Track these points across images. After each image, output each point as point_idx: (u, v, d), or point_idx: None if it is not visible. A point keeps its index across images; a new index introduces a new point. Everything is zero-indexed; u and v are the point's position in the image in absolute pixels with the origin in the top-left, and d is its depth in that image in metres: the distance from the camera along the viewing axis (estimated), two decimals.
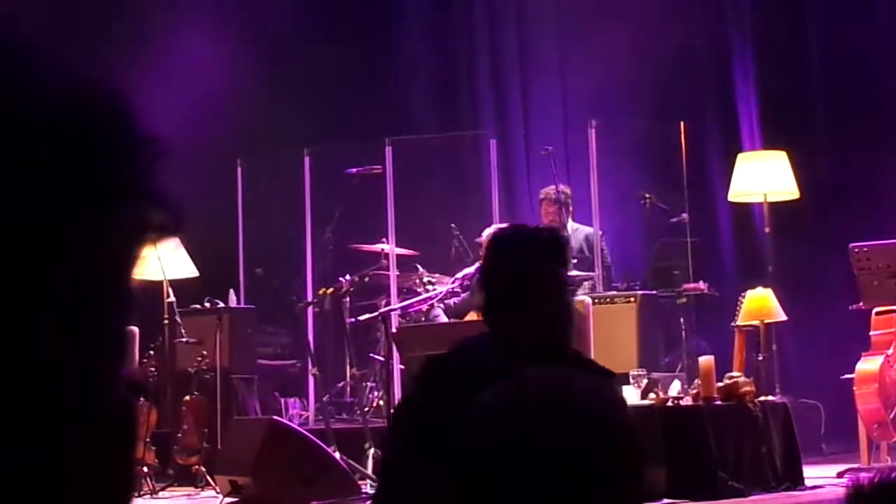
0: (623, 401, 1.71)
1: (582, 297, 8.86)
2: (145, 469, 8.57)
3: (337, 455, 7.80)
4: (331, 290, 9.58)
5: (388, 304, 9.55)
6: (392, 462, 3.27)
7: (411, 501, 3.05)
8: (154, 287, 9.01)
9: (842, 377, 8.64)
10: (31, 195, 0.78)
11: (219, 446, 8.90)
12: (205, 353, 9.30)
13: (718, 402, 7.67)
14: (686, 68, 11.77)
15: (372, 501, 3.42)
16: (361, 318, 9.00)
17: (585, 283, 9.86)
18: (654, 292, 9.81)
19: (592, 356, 8.27)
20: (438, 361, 3.33)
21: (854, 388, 8.34)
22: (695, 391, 7.82)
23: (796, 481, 7.71)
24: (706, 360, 7.82)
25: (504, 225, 3.26)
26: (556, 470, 1.50)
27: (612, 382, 3.01)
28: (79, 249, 0.80)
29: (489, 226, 8.72)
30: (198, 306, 9.79)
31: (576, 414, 1.53)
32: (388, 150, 10.41)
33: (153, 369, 9.17)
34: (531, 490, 1.50)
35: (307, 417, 10.13)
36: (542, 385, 1.62)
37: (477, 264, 8.43)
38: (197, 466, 8.95)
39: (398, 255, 10.05)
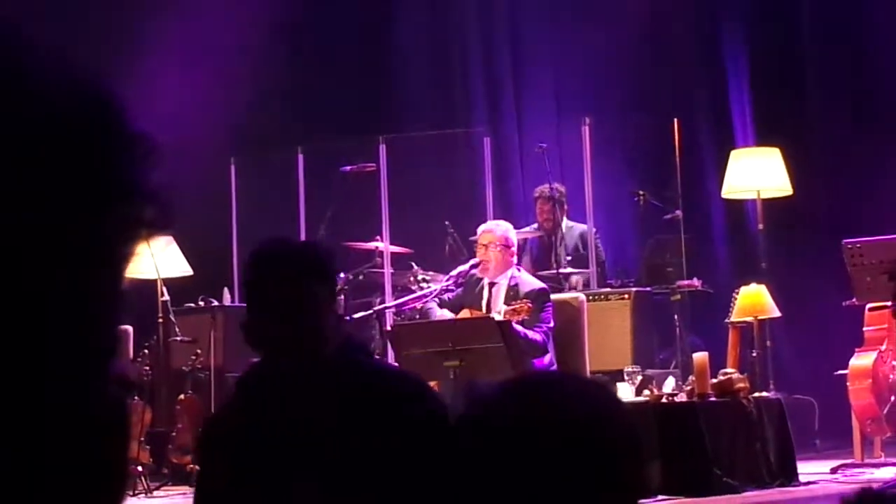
0: (619, 399, 1.71)
1: (576, 294, 8.86)
2: (140, 468, 8.55)
3: None
4: None
5: (382, 301, 9.55)
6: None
7: None
8: (148, 286, 9.00)
9: (835, 373, 8.64)
10: (32, 195, 0.78)
11: None
12: (199, 351, 9.29)
13: (713, 399, 7.68)
14: (679, 65, 11.77)
15: None
16: (356, 315, 8.98)
17: (580, 280, 9.86)
18: (648, 289, 9.81)
19: (587, 354, 8.31)
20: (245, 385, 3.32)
21: (847, 383, 8.34)
22: (689, 388, 7.83)
23: (790, 477, 7.72)
24: (700, 357, 7.83)
25: (269, 240, 3.16)
26: (556, 470, 1.50)
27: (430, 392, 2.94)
28: (78, 249, 0.80)
29: (483, 223, 8.72)
30: (192, 305, 9.78)
31: (570, 415, 1.53)
32: (382, 148, 10.41)
33: (147, 368, 9.14)
34: (531, 491, 1.50)
35: None
36: (540, 386, 1.63)
37: (473, 261, 8.43)
38: (191, 465, 8.93)
39: (392, 253, 10.04)
